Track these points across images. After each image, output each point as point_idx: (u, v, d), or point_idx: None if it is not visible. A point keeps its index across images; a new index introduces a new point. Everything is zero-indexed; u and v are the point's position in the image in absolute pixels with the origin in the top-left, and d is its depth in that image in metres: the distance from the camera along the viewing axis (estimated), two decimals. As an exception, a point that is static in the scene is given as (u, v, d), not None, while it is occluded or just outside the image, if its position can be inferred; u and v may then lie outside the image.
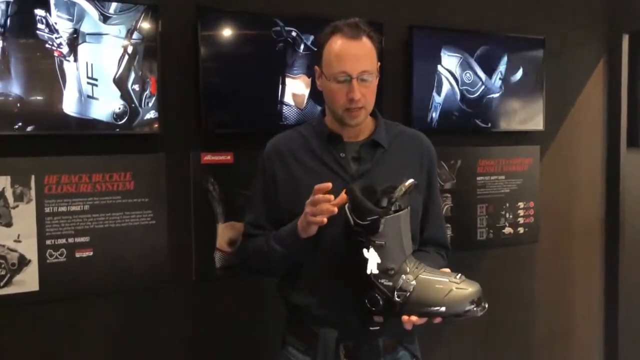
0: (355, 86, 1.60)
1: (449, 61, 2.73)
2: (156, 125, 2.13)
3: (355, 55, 1.60)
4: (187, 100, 2.23)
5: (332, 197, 1.47)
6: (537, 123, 3.03)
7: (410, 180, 1.43)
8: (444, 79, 2.71)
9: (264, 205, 1.73)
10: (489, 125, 2.88)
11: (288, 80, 2.35)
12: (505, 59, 2.88)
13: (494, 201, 2.97)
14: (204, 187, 2.26)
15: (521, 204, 3.06)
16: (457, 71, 2.74)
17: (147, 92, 2.11)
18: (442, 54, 2.70)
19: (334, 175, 1.65)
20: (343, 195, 1.50)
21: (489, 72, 2.83)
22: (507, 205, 3.02)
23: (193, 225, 2.25)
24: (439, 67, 2.70)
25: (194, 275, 2.27)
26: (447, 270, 1.55)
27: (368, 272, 1.43)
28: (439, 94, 2.70)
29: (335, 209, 1.47)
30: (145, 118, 2.11)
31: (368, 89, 1.63)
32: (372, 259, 1.43)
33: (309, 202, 1.51)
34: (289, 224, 1.63)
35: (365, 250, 1.43)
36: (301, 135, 1.75)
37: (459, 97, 2.77)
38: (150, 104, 2.12)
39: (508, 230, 3.03)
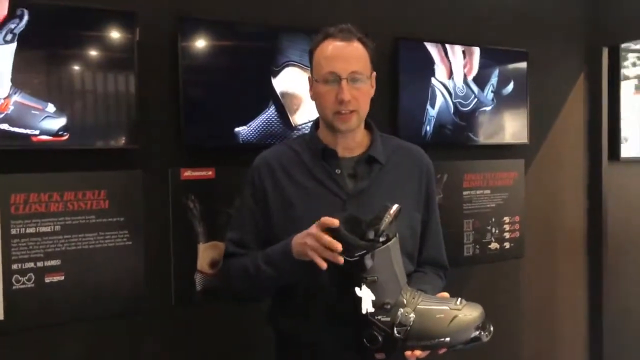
0: (344, 86, 1.51)
1: (442, 74, 2.67)
2: (132, 141, 2.00)
3: (345, 56, 1.53)
4: (165, 113, 2.11)
5: (338, 246, 1.32)
6: (522, 136, 2.99)
7: (395, 206, 1.33)
8: (437, 92, 2.65)
9: (252, 222, 1.61)
10: (481, 138, 2.83)
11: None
12: (497, 72, 2.84)
13: (480, 216, 2.91)
14: (184, 204, 2.14)
15: (507, 219, 3.01)
16: (450, 84, 2.68)
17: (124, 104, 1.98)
18: (435, 67, 2.63)
19: (329, 193, 1.56)
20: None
21: (482, 85, 2.78)
22: (493, 220, 2.96)
23: (172, 245, 2.12)
24: (433, 80, 2.64)
25: (174, 300, 2.13)
26: (446, 295, 1.46)
27: (363, 311, 1.33)
28: (432, 106, 2.63)
29: (342, 260, 1.33)
30: (122, 132, 1.98)
31: (359, 91, 1.54)
32: (366, 297, 1.33)
33: (312, 234, 1.37)
34: (280, 243, 1.51)
35: (357, 289, 1.32)
36: (292, 150, 1.64)
37: (452, 110, 2.71)
38: (126, 117, 1.99)
39: (494, 245, 2.97)
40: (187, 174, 2.14)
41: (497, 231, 2.97)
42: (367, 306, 1.32)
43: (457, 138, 2.76)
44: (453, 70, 2.71)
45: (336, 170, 1.58)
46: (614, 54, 3.28)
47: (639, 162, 3.47)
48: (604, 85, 3.24)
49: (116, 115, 1.99)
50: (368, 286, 1.31)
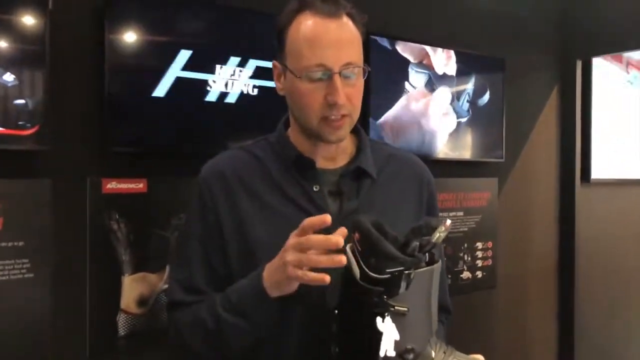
0: (338, 84, 1.11)
1: (417, 78, 2.32)
2: (42, 141, 1.53)
3: (336, 40, 1.12)
4: (85, 106, 1.67)
5: (338, 239, 0.96)
6: (497, 153, 2.70)
7: (450, 221, 0.98)
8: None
9: (203, 257, 1.18)
10: (456, 152, 2.50)
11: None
12: (473, 80, 2.53)
13: (452, 241, 2.58)
14: (106, 225, 1.68)
15: (479, 245, 2.70)
16: (424, 90, 2.35)
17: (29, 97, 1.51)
18: (409, 70, 2.29)
19: (305, 216, 1.15)
20: (341, 233, 0.99)
21: (457, 94, 2.46)
22: (466, 245, 2.64)
23: (88, 278, 1.66)
24: (407, 84, 2.29)
25: (88, 351, 1.67)
26: (480, 358, 1.09)
27: (382, 354, 0.95)
28: (404, 114, 2.29)
29: (344, 259, 0.96)
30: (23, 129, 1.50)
31: (354, 88, 1.15)
32: (389, 334, 0.95)
33: (293, 244, 1.01)
34: (244, 280, 1.10)
35: (379, 320, 0.96)
36: (254, 158, 1.23)
37: (425, 119, 2.37)
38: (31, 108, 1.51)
39: (466, 275, 2.66)
40: (111, 186, 1.69)
41: (469, 258, 2.66)
42: (387, 347, 0.95)
43: (429, 151, 2.42)
44: (430, 74, 2.37)
45: (314, 187, 1.19)
46: (586, 68, 3.07)
47: (609, 184, 3.27)
48: (577, 101, 3.02)
49: (16, 106, 1.51)
50: (394, 320, 0.95)
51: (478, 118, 2.60)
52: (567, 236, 3.08)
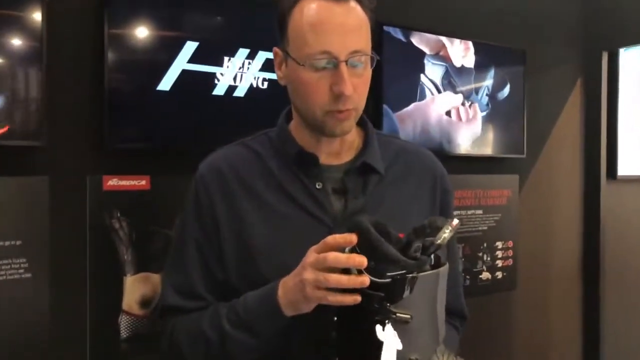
0: (344, 74, 1.02)
1: (433, 71, 2.23)
2: (38, 136, 1.48)
3: (342, 25, 1.03)
4: (85, 101, 1.61)
5: (362, 259, 0.88)
6: (518, 149, 2.59)
7: (457, 221, 0.90)
8: (427, 91, 2.20)
9: (200, 261, 1.11)
10: (474, 149, 2.40)
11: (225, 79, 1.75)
12: (492, 72, 2.43)
13: (470, 241, 2.48)
14: (107, 224, 1.62)
15: (499, 244, 2.60)
16: (441, 83, 2.25)
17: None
18: (425, 62, 2.19)
19: (309, 217, 1.08)
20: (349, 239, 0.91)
21: (476, 86, 2.36)
22: (485, 245, 2.54)
23: (88, 279, 1.60)
24: (422, 77, 2.19)
25: (89, 354, 1.61)
26: None
27: None
28: (420, 108, 2.19)
29: (367, 281, 0.87)
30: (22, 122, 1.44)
31: (361, 79, 1.06)
32: (390, 343, 0.87)
33: (312, 262, 0.93)
34: (254, 293, 1.02)
35: (379, 329, 0.88)
36: (254, 153, 1.15)
37: (443, 113, 2.28)
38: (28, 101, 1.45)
39: (485, 275, 2.55)
40: (112, 183, 1.63)
41: (488, 259, 2.55)
42: (388, 357, 0.88)
43: (448, 147, 2.32)
44: (447, 66, 2.28)
45: (317, 185, 1.10)
46: (613, 60, 2.94)
47: (637, 181, 3.13)
48: (603, 94, 2.89)
49: (13, 99, 1.46)
50: (396, 327, 0.88)
51: (498, 112, 2.49)
52: (592, 235, 2.95)
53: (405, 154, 1.21)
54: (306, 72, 1.03)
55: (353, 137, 1.15)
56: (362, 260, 0.87)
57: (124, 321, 1.65)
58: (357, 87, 1.05)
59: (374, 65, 1.08)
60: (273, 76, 1.82)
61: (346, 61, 1.02)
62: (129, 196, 1.65)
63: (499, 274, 2.60)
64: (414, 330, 0.89)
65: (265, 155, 1.13)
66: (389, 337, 0.87)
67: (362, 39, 1.05)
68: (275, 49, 1.11)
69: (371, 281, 0.87)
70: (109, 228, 1.62)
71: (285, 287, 0.97)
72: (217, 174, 1.12)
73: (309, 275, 0.92)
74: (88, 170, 1.60)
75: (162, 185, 1.68)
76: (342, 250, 0.90)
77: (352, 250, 0.90)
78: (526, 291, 2.75)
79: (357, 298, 0.88)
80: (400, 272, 0.87)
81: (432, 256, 0.91)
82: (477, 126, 2.42)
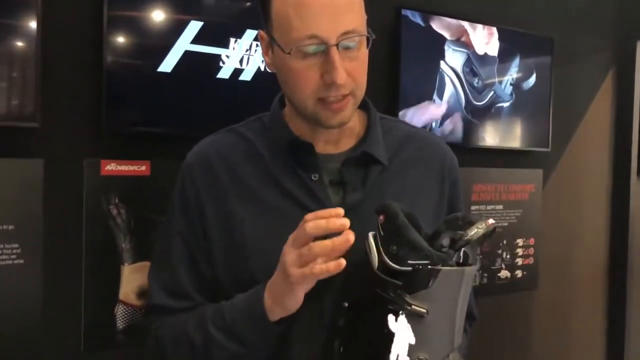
0: (335, 60, 0.92)
1: (454, 58, 2.12)
2: (31, 117, 1.41)
3: (330, 5, 0.92)
4: (82, 79, 1.54)
5: (344, 221, 0.84)
6: (543, 142, 2.47)
7: (493, 221, 0.85)
8: (447, 80, 2.10)
9: (187, 257, 1.04)
10: (496, 140, 2.29)
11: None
12: (517, 61, 2.31)
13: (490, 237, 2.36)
14: (104, 210, 1.56)
15: (520, 242, 2.48)
16: (462, 71, 2.14)
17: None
18: (446, 48, 2.08)
19: (304, 212, 0.99)
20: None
21: (500, 76, 2.25)
22: (505, 242, 2.43)
23: (84, 267, 1.54)
24: (442, 64, 2.09)
25: (83, 344, 1.55)
26: None
27: (392, 358, 0.82)
28: (440, 97, 2.08)
29: (352, 238, 0.83)
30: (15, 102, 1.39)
31: (356, 61, 0.96)
32: (402, 336, 0.83)
33: (290, 242, 0.88)
34: (241, 297, 0.95)
35: (391, 318, 0.83)
36: (245, 141, 1.07)
37: (464, 103, 2.16)
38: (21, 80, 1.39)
39: (504, 274, 2.44)
40: (110, 167, 1.57)
41: (508, 256, 2.44)
42: (399, 350, 0.83)
43: (468, 139, 2.22)
44: (469, 53, 2.17)
45: (312, 176, 1.02)
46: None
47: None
48: (636, 87, 2.75)
49: (7, 79, 1.40)
50: (410, 320, 0.83)
51: (522, 103, 2.37)
52: (619, 234, 2.82)
53: (412, 142, 1.12)
54: (294, 60, 0.93)
55: (354, 123, 1.06)
56: (344, 222, 0.82)
57: (120, 311, 1.59)
58: (351, 71, 0.95)
59: (369, 46, 0.98)
60: (281, 59, 1.73)
61: (337, 45, 0.92)
62: (127, 182, 1.58)
63: (519, 273, 2.49)
64: (428, 327, 0.83)
65: (258, 143, 1.05)
66: (401, 329, 0.82)
67: (355, 17, 0.95)
68: (261, 32, 1.01)
69: (390, 267, 0.82)
70: (107, 214, 1.56)
71: (270, 285, 0.89)
72: (204, 164, 1.04)
73: (289, 256, 0.85)
74: (85, 153, 1.54)
75: (163, 171, 1.61)
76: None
77: (375, 232, 0.86)
78: (547, 291, 2.63)
79: (342, 262, 0.83)
80: (423, 261, 0.81)
81: (460, 253, 0.85)
82: (498, 117, 2.30)
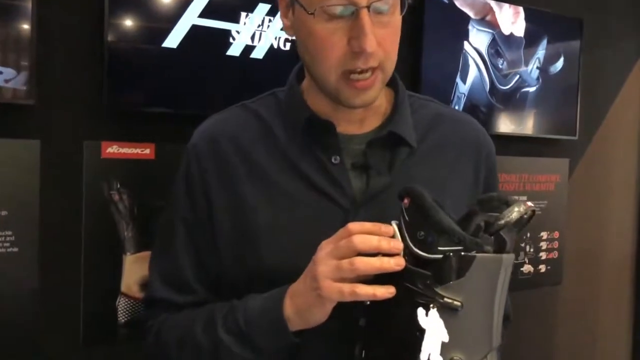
0: (365, 24, 0.81)
1: (479, 38, 1.99)
2: (27, 95, 1.31)
3: None
4: (83, 60, 1.43)
5: (399, 242, 0.76)
6: (570, 130, 2.34)
7: (531, 204, 0.76)
8: (470, 62, 1.98)
9: (191, 248, 0.94)
10: (520, 127, 2.17)
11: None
12: (544, 43, 2.18)
13: (513, 230, 2.24)
14: (105, 196, 1.46)
15: (544, 235, 2.36)
16: (487, 52, 2.01)
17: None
18: (470, 28, 1.96)
19: (322, 198, 0.90)
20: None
21: (526, 59, 2.12)
22: (528, 235, 2.31)
23: (83, 256, 1.44)
24: (466, 45, 1.96)
25: (82, 338, 1.45)
26: None
27: (423, 357, 0.73)
28: (464, 80, 1.96)
29: (403, 264, 0.74)
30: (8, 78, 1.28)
31: (388, 28, 0.85)
32: (434, 333, 0.73)
33: (328, 252, 0.77)
34: (257, 299, 0.85)
35: (421, 313, 0.73)
36: (257, 119, 0.96)
37: (488, 87, 2.04)
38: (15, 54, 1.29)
39: (527, 268, 2.32)
40: (112, 150, 1.46)
41: (532, 250, 2.33)
42: (431, 349, 0.73)
43: (491, 124, 2.10)
44: (494, 34, 2.04)
45: (333, 159, 0.91)
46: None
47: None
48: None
49: (1, 52, 1.30)
50: (442, 314, 0.73)
51: (549, 88, 2.24)
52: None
53: (444, 122, 1.00)
54: (317, 23, 0.82)
55: (380, 101, 0.95)
56: (398, 244, 0.73)
57: (122, 304, 1.49)
58: (382, 40, 0.84)
59: (404, 12, 0.87)
60: (296, 36, 1.62)
61: (368, 7, 0.81)
62: (130, 165, 1.48)
63: (542, 267, 2.37)
64: (463, 322, 0.73)
65: (272, 121, 0.94)
66: (433, 325, 0.72)
67: None
68: None
69: (418, 256, 0.74)
70: (108, 200, 1.46)
71: (294, 293, 0.79)
72: (213, 144, 0.94)
73: (324, 266, 0.74)
74: (85, 134, 1.43)
75: (169, 155, 1.51)
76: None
77: (401, 219, 0.76)
78: (572, 287, 2.51)
79: (392, 290, 0.73)
80: (455, 248, 0.72)
81: (496, 238, 0.75)
82: (522, 102, 2.18)
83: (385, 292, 0.73)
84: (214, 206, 0.91)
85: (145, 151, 1.49)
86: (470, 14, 1.99)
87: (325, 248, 0.77)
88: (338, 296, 0.75)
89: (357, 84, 0.85)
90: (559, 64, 2.26)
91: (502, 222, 0.72)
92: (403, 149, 0.93)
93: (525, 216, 0.74)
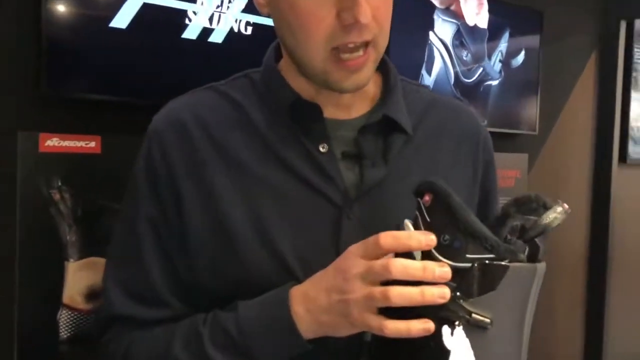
0: None
1: (444, 29, 1.92)
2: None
3: None
4: (18, 41, 1.26)
5: (446, 273, 0.66)
6: (530, 124, 2.32)
7: (567, 207, 0.68)
8: (436, 53, 1.90)
9: (157, 249, 0.81)
10: (483, 122, 2.11)
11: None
12: (506, 36, 2.14)
13: (475, 227, 2.21)
14: (44, 195, 1.29)
15: (504, 232, 2.32)
16: (452, 44, 1.95)
17: None
18: (435, 17, 1.88)
19: (310, 192, 0.79)
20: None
21: (489, 51, 2.07)
22: (489, 232, 2.26)
23: (17, 264, 1.27)
24: (431, 35, 1.89)
25: (17, 356, 1.29)
26: None
27: None
28: (429, 72, 1.89)
29: (448, 296, 0.64)
30: None
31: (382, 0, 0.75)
32: (459, 355, 0.64)
33: (361, 273, 0.66)
34: (250, 305, 0.74)
35: (446, 332, 0.65)
36: (230, 102, 0.85)
37: (452, 79, 1.97)
38: None
39: (488, 264, 2.28)
40: (52, 143, 1.30)
41: (492, 246, 2.28)
42: None
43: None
44: (459, 25, 1.98)
45: (320, 147, 0.80)
46: (630, 30, 2.67)
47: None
48: (619, 68, 2.63)
49: None
50: (468, 333, 0.65)
51: (511, 82, 2.21)
52: (600, 222, 2.70)
53: (439, 108, 0.92)
54: None
55: (370, 84, 0.84)
56: (446, 273, 0.62)
57: (64, 317, 1.33)
58: (376, 10, 0.74)
59: None
60: (259, 19, 1.49)
61: None
62: (73, 161, 1.32)
63: (502, 264, 2.35)
64: (491, 342, 0.66)
65: (247, 105, 0.82)
66: (458, 345, 0.64)
67: None
68: None
69: (440, 261, 0.65)
70: (47, 200, 1.30)
71: (309, 303, 0.68)
72: (178, 129, 0.81)
73: (358, 292, 0.63)
74: (20, 125, 1.26)
75: (117, 149, 1.35)
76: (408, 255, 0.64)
77: (417, 218, 0.66)
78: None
79: (430, 327, 0.63)
80: (487, 256, 0.63)
81: (529, 245, 0.66)
82: (484, 96, 2.13)
83: (422, 328, 0.63)
84: (183, 204, 0.78)
85: (90, 144, 1.33)
86: (436, 2, 1.92)
87: (356, 264, 0.65)
88: (367, 328, 0.66)
89: (348, 63, 0.75)
90: (520, 57, 2.23)
91: (541, 227, 0.64)
92: (398, 136, 0.84)
93: (563, 216, 0.65)
